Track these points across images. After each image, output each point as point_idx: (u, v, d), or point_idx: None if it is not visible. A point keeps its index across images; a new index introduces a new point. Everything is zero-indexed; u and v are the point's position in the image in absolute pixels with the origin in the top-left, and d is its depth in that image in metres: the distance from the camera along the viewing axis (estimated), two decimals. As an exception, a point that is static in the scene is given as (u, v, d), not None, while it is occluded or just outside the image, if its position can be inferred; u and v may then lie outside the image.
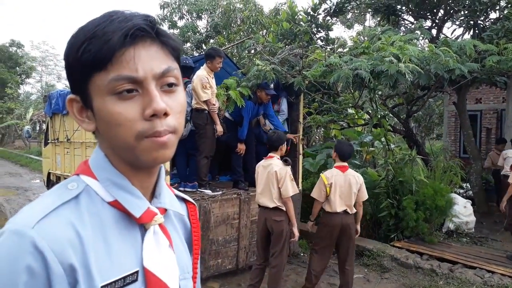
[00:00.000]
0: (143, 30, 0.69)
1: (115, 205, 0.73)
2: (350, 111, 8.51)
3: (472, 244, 6.46)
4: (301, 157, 6.04)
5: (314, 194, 4.24)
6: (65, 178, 7.54)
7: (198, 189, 5.14)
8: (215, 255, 4.94)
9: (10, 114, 29.20)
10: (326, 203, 4.21)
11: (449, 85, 7.17)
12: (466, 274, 5.06)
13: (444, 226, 6.85)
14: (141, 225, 0.76)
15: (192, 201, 0.97)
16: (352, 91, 6.29)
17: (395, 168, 6.45)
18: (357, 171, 6.66)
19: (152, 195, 0.81)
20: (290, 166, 4.20)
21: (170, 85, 0.72)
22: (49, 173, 8.46)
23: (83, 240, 0.66)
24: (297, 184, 5.93)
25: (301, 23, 8.70)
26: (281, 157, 4.25)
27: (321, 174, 4.28)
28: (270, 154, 4.24)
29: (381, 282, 5.19)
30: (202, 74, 4.91)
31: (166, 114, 0.70)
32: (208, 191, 5.04)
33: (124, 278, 0.70)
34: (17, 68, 33.53)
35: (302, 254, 6.10)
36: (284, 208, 4.09)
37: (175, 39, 0.75)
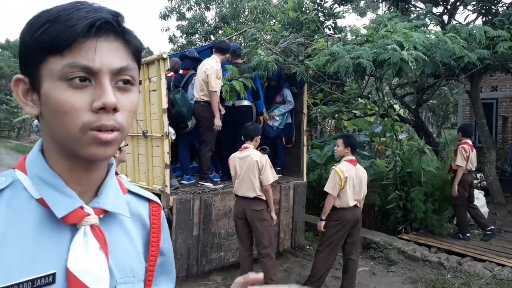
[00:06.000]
0: (109, 24, 0.67)
1: (43, 203, 0.70)
2: (361, 100, 8.32)
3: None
4: (305, 148, 5.93)
5: (328, 188, 4.08)
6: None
7: (199, 182, 5.11)
8: (217, 248, 4.91)
9: (25, 108, 29.68)
10: (337, 198, 4.09)
11: (461, 73, 6.93)
12: (475, 267, 4.93)
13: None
14: (73, 225, 0.72)
15: (157, 200, 0.92)
16: (354, 80, 6.13)
17: (403, 159, 6.30)
18: (365, 162, 6.59)
19: (96, 194, 0.77)
20: (267, 154, 4.21)
21: (126, 82, 0.71)
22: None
23: None
24: (302, 176, 5.85)
25: (308, 11, 8.51)
26: (257, 148, 4.27)
27: (334, 168, 4.13)
28: (245, 145, 4.20)
29: (387, 275, 5.10)
30: (218, 66, 4.94)
31: (115, 110, 0.68)
32: (209, 184, 5.00)
33: (34, 280, 0.66)
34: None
35: (308, 247, 6.03)
36: (264, 198, 4.10)
37: (140, 40, 0.74)
